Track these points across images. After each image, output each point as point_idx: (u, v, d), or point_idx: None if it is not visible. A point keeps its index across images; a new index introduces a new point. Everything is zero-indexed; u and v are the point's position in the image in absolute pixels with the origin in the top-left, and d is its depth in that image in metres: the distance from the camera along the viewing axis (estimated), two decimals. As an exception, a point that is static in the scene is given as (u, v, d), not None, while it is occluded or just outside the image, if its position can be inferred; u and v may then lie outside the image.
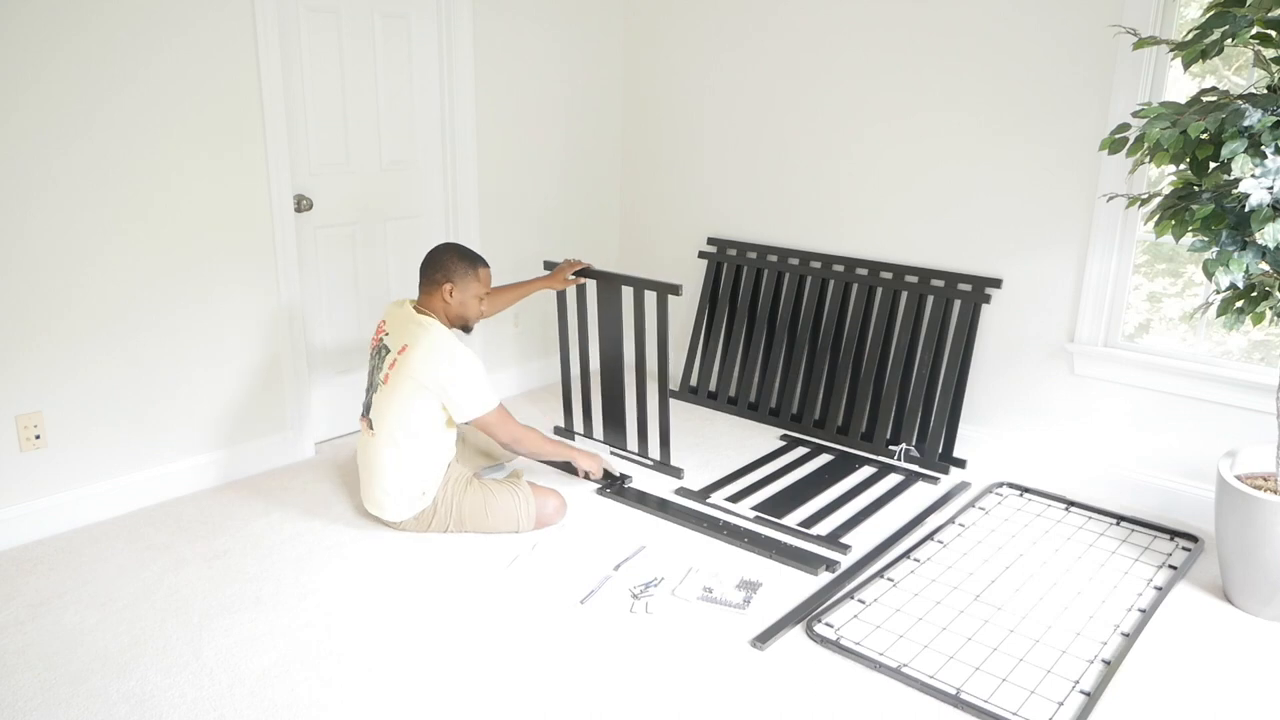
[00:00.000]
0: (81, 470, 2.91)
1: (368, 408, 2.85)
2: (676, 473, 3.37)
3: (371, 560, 2.73)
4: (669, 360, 3.37)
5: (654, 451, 3.50)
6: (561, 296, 3.56)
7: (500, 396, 2.82)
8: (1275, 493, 2.54)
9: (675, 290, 3.20)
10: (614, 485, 3.24)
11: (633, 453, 3.52)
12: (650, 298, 4.16)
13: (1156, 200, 2.53)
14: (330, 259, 3.52)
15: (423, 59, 3.64)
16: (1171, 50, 2.39)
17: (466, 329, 2.96)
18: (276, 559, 2.73)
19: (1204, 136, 2.28)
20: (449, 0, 3.61)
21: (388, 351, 2.80)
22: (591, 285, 4.09)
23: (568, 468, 3.28)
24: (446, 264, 2.85)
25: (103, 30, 2.71)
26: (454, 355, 2.75)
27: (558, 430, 3.77)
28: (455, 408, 2.76)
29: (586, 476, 3.23)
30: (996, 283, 3.38)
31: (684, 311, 4.36)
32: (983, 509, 3.15)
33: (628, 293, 3.97)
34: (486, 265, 2.94)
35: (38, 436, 2.79)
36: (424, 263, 2.89)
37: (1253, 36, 2.28)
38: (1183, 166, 2.45)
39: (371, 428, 2.80)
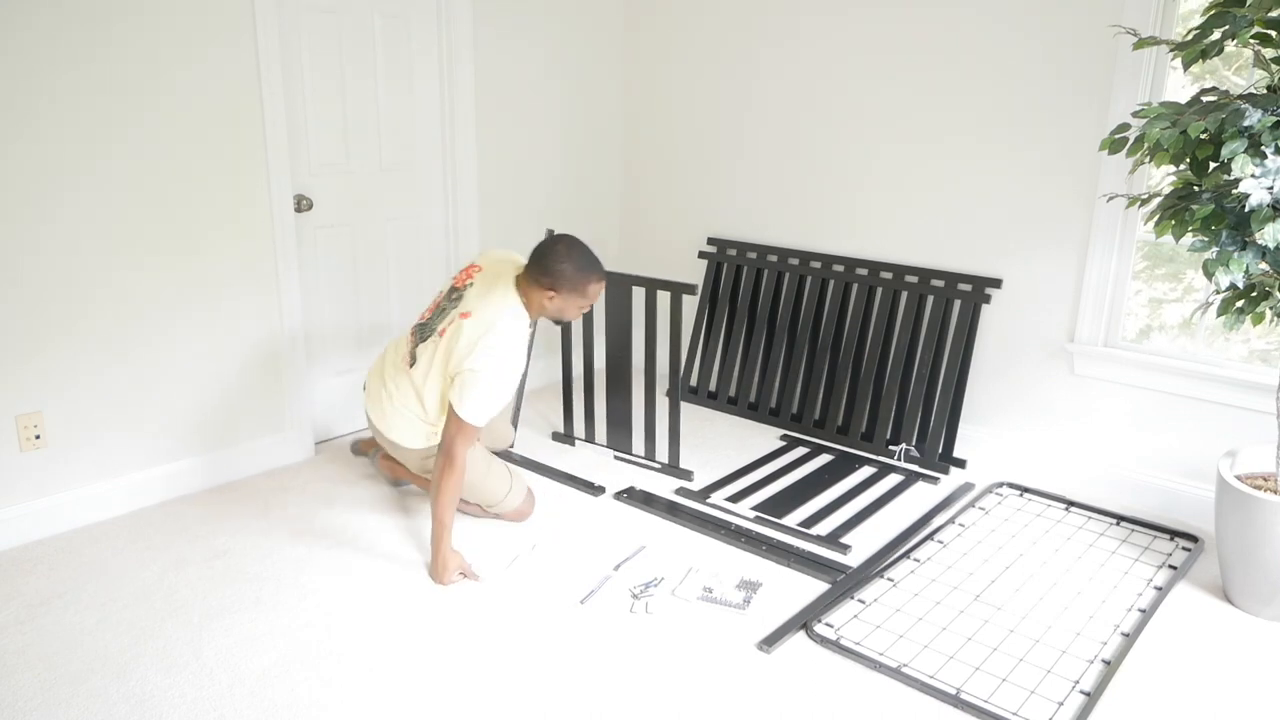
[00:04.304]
0: (81, 470, 2.91)
1: (421, 338, 2.76)
2: (686, 475, 3.37)
3: (371, 560, 2.73)
4: (680, 361, 3.36)
5: (661, 454, 3.50)
6: None
7: (488, 418, 2.69)
8: (1275, 493, 2.54)
9: (691, 290, 3.19)
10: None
11: (639, 455, 3.52)
12: (656, 299, 4.16)
13: (1156, 200, 2.53)
14: (330, 259, 3.52)
15: (423, 59, 3.64)
16: (1171, 50, 2.39)
17: (558, 323, 2.86)
18: (276, 559, 2.73)
19: (1204, 136, 2.28)
20: (449, 1, 3.61)
21: (459, 303, 2.72)
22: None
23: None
24: (556, 273, 2.64)
25: (103, 29, 2.71)
26: (492, 361, 2.59)
27: (555, 436, 3.74)
28: (456, 392, 2.61)
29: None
30: (996, 283, 3.38)
31: (684, 311, 4.36)
32: (983, 509, 3.15)
33: (638, 293, 3.99)
34: (601, 278, 2.73)
35: (38, 436, 2.79)
36: (540, 252, 2.68)
37: (1253, 36, 2.28)
38: (1183, 166, 2.45)
39: (413, 363, 2.75)
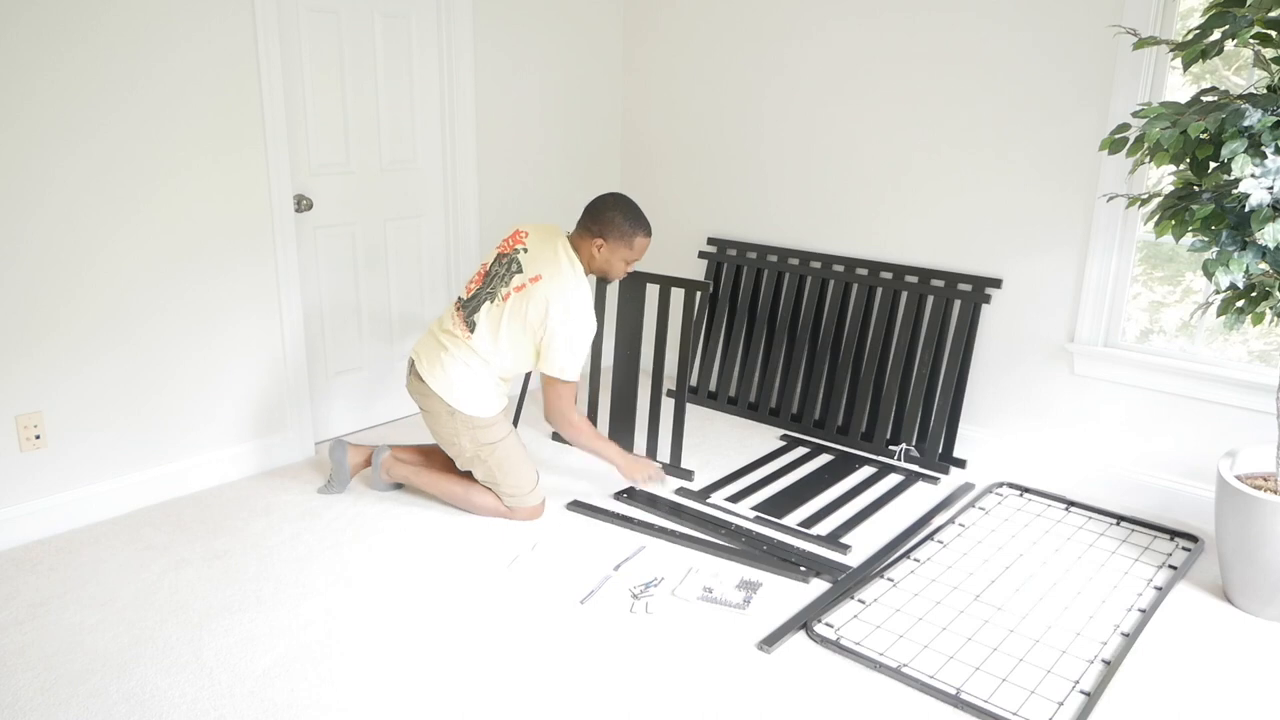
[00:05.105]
0: (81, 470, 2.91)
1: (474, 308, 2.88)
2: (687, 475, 3.37)
3: (371, 560, 2.73)
4: (688, 360, 3.39)
5: (663, 454, 3.51)
6: None
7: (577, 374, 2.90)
8: (1275, 493, 2.54)
9: (705, 288, 3.30)
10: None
11: (639, 455, 3.51)
12: (670, 297, 4.12)
13: (1156, 200, 2.53)
14: (330, 259, 3.52)
15: (423, 59, 3.64)
16: (1171, 50, 2.39)
17: (606, 280, 3.02)
18: (276, 559, 2.73)
19: (1204, 136, 2.28)
20: (449, 1, 3.62)
21: (519, 270, 2.84)
22: (614, 284, 4.12)
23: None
24: (605, 220, 2.86)
25: (105, 32, 2.71)
26: (575, 314, 2.81)
27: (555, 436, 3.72)
28: (545, 358, 2.84)
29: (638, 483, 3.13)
30: (996, 283, 3.38)
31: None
32: (983, 509, 3.15)
33: (651, 291, 3.98)
34: (647, 234, 2.92)
35: (38, 436, 2.79)
36: (592, 205, 2.90)
37: (1253, 36, 2.28)
38: (1183, 166, 2.45)
39: (472, 330, 2.85)
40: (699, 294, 3.95)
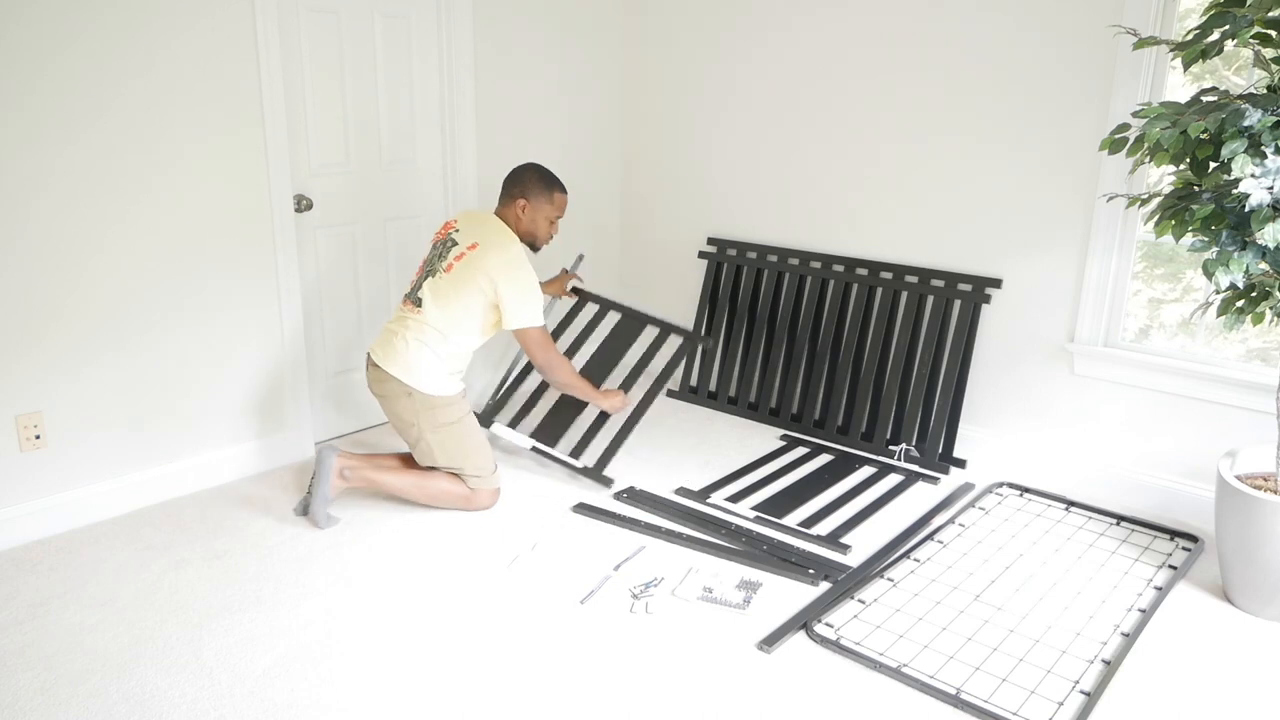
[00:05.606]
0: (81, 470, 2.91)
1: (416, 288, 2.99)
2: (606, 482, 3.25)
3: (371, 560, 2.73)
4: (665, 386, 3.39)
5: (589, 457, 3.37)
6: (568, 315, 3.65)
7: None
8: (1275, 493, 2.54)
9: (705, 341, 3.38)
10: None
11: (561, 453, 3.36)
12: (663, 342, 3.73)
13: (1156, 200, 2.53)
14: (330, 259, 3.52)
15: (423, 59, 3.64)
16: (1171, 50, 2.39)
17: (534, 247, 3.14)
18: (276, 559, 2.73)
19: (1204, 136, 2.28)
20: (449, 1, 3.62)
21: (455, 245, 2.98)
22: (610, 316, 4.03)
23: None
24: (525, 181, 3.07)
25: (104, 31, 2.71)
26: (520, 266, 2.96)
27: (482, 414, 3.57)
28: (508, 312, 2.96)
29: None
30: (996, 283, 3.38)
31: (684, 311, 4.36)
32: (983, 509, 3.15)
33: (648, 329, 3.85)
34: (564, 191, 3.13)
35: (38, 436, 2.79)
36: (506, 177, 3.11)
37: (1253, 36, 2.28)
38: (1183, 166, 2.45)
39: (419, 307, 2.94)
40: (698, 347, 3.81)
